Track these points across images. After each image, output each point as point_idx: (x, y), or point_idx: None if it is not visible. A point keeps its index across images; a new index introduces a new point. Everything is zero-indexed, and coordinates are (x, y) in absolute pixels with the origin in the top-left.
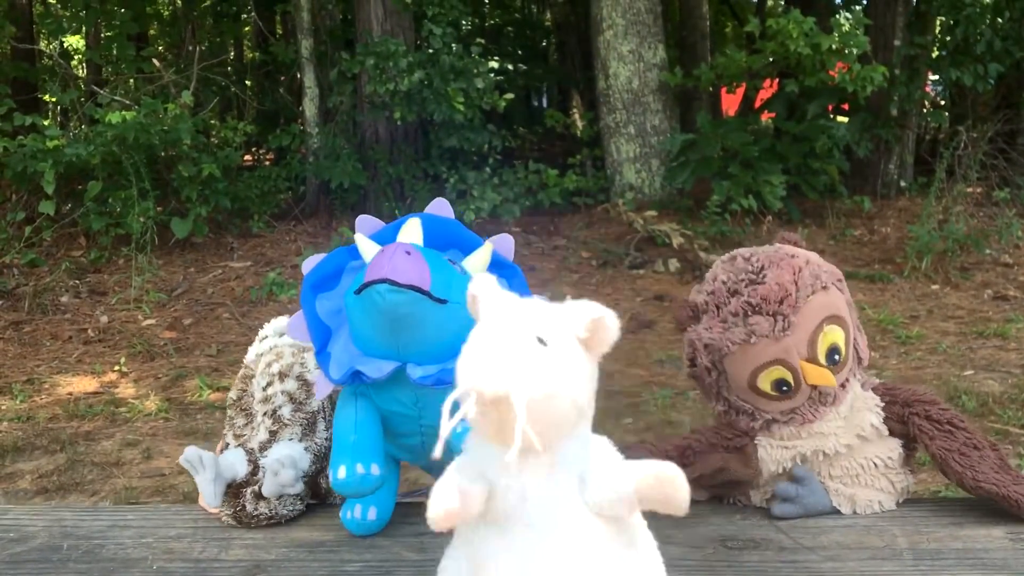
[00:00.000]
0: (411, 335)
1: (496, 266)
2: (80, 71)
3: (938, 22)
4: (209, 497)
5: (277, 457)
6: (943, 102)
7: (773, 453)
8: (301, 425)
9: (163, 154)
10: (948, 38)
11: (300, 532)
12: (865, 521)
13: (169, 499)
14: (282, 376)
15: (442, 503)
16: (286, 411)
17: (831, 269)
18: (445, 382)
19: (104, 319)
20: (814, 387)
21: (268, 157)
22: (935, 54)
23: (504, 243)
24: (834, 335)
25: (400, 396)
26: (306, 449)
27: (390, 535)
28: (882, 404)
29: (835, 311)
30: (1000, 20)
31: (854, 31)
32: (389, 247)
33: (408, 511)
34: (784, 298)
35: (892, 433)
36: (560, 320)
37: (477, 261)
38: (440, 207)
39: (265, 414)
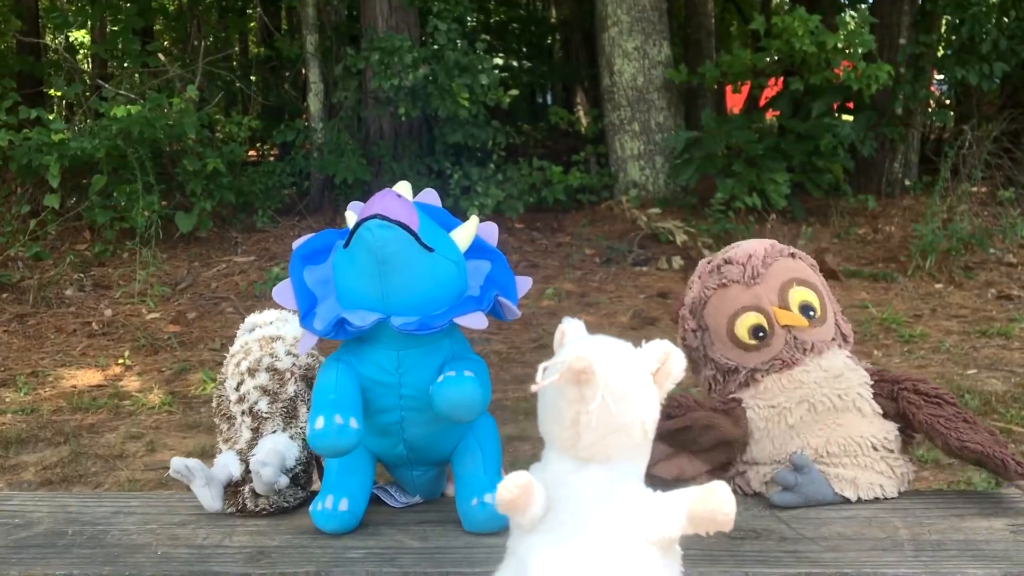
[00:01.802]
0: (398, 279)
1: (480, 250)
2: (85, 65)
3: (944, 21)
4: (207, 501)
5: (258, 458)
6: (948, 101)
7: (761, 412)
8: (281, 415)
9: (168, 148)
10: (954, 37)
11: (303, 519)
12: (867, 512)
13: (173, 491)
14: (252, 372)
15: (512, 480)
16: (263, 405)
17: (804, 255)
18: (429, 327)
19: (108, 312)
20: (788, 330)
21: (272, 152)
22: (940, 53)
23: (488, 230)
24: (805, 294)
25: (381, 360)
26: (291, 438)
27: (393, 523)
28: (871, 382)
29: (803, 275)
30: (1006, 19)
31: (859, 29)
32: (380, 192)
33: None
34: (752, 255)
35: (886, 414)
36: (636, 352)
37: (463, 233)
38: (429, 196)
39: (243, 413)
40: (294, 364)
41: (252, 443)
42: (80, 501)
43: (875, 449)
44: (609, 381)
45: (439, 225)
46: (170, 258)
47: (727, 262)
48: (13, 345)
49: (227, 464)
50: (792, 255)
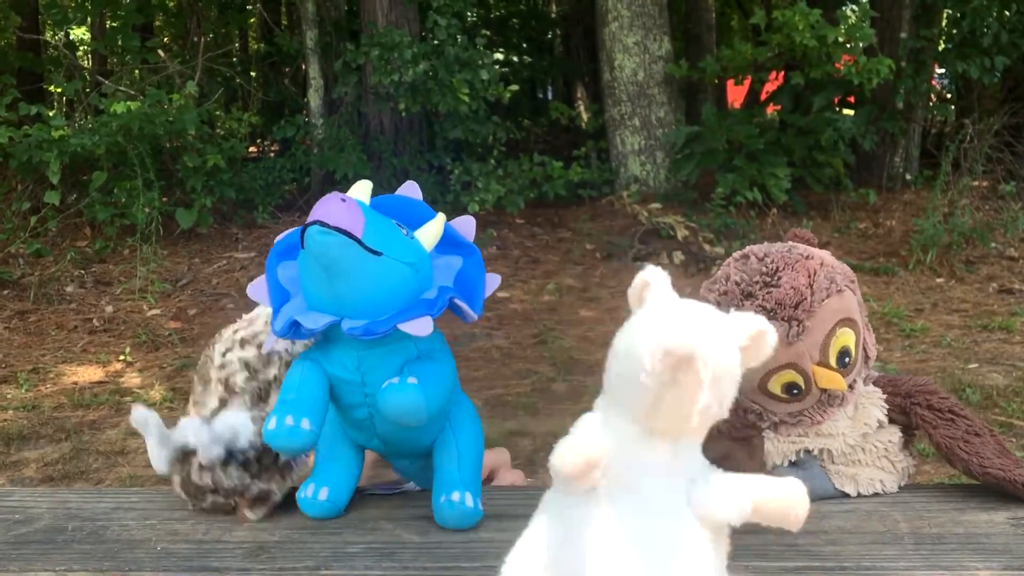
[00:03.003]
0: (345, 284)
1: (454, 244)
2: (85, 61)
3: (944, 14)
4: (155, 461)
5: (205, 438)
6: (949, 95)
7: (779, 447)
8: (251, 394)
9: (168, 145)
10: (954, 31)
11: (302, 515)
12: (867, 506)
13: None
14: (243, 343)
15: (580, 448)
16: (239, 378)
17: (844, 270)
18: (373, 332)
19: (109, 309)
20: (824, 390)
21: (273, 148)
22: (941, 47)
23: (465, 224)
24: (846, 338)
25: (343, 359)
26: (252, 420)
27: (392, 517)
28: (884, 396)
29: (848, 314)
30: (1007, 13)
31: (860, 23)
32: (326, 196)
33: (409, 495)
34: (799, 303)
35: (893, 422)
36: (726, 322)
37: (429, 232)
38: (411, 189)
39: (219, 380)
40: (286, 350)
41: (216, 412)
42: (80, 497)
43: (876, 449)
44: (711, 370)
45: (411, 221)
46: (171, 254)
47: (769, 313)
48: (14, 341)
49: (186, 429)
50: (840, 291)
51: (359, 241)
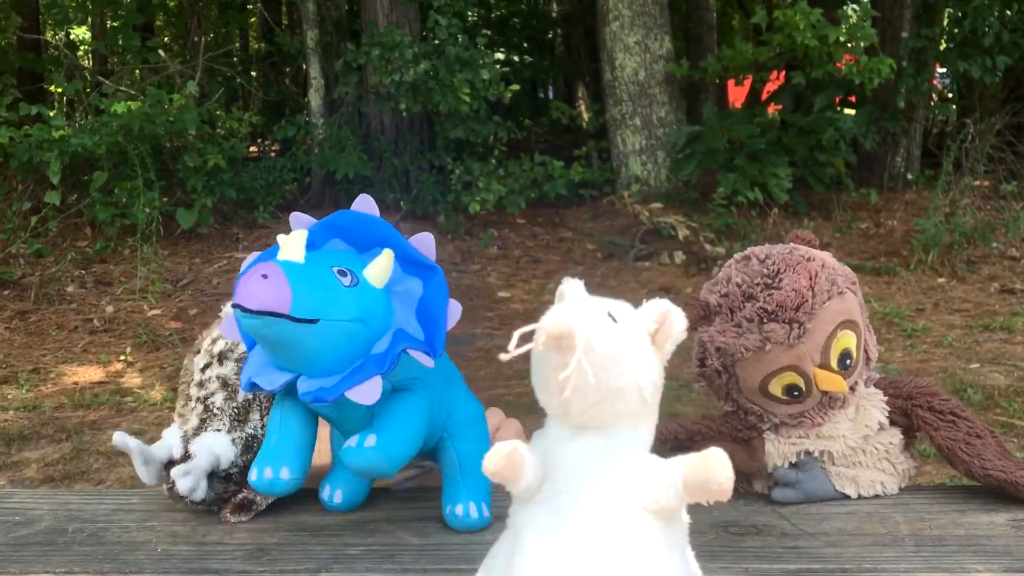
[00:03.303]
0: (284, 353)
1: (413, 264)
2: (86, 61)
3: (946, 14)
4: (143, 477)
5: (181, 467)
6: (951, 95)
7: (780, 448)
8: (230, 416)
9: (168, 145)
10: (956, 30)
11: (303, 516)
12: (867, 507)
13: None
14: (222, 358)
15: (499, 448)
16: (218, 399)
17: (845, 272)
18: (323, 399)
19: (110, 309)
20: (825, 392)
21: (273, 148)
22: (943, 46)
23: (424, 241)
24: (847, 340)
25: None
26: (233, 442)
27: (393, 519)
28: (885, 399)
29: (849, 316)
30: (1008, 12)
31: (861, 23)
32: (248, 273)
33: (410, 496)
34: (800, 305)
35: (894, 424)
36: (631, 311)
37: (376, 270)
38: (364, 204)
39: (198, 399)
40: None
41: (197, 431)
42: (80, 498)
43: (877, 451)
44: (592, 346)
45: (365, 241)
46: (171, 254)
47: (770, 316)
48: (15, 342)
49: (170, 443)
50: (840, 293)
51: (288, 316)
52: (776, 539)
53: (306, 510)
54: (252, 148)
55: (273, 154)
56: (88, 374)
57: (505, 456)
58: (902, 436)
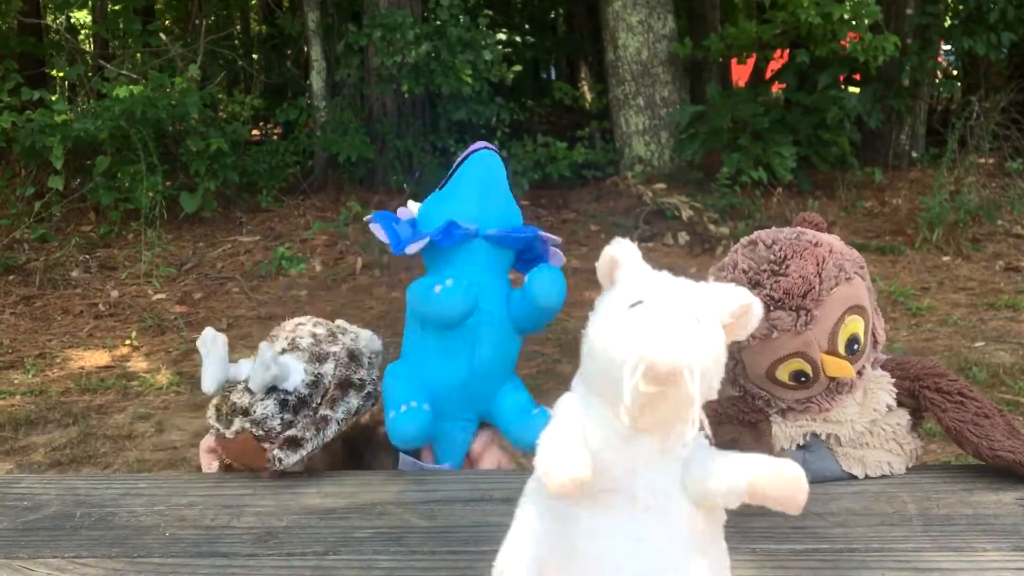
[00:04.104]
0: (495, 200)
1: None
2: (87, 45)
3: None
4: (206, 379)
5: (271, 354)
6: (955, 72)
7: (787, 431)
8: (311, 354)
9: (171, 128)
10: (961, 7)
11: (311, 499)
12: (875, 487)
13: (181, 471)
14: (316, 325)
15: (570, 469)
16: (305, 341)
17: (854, 256)
18: (517, 232)
19: (115, 293)
20: (832, 378)
21: (276, 131)
22: (947, 23)
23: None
24: (855, 325)
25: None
26: (306, 371)
27: (400, 502)
28: (893, 380)
29: (857, 301)
30: None
31: (865, 0)
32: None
33: (417, 478)
34: (807, 292)
35: (901, 405)
36: (709, 301)
37: None
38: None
39: (286, 337)
40: (346, 349)
41: (276, 356)
42: (88, 483)
43: (884, 431)
44: (699, 376)
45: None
46: (175, 239)
47: (777, 303)
48: (20, 327)
49: (243, 368)
50: (848, 279)
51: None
52: (783, 519)
53: (313, 493)
54: (254, 131)
55: (275, 137)
56: (94, 358)
57: (578, 484)
58: (909, 417)
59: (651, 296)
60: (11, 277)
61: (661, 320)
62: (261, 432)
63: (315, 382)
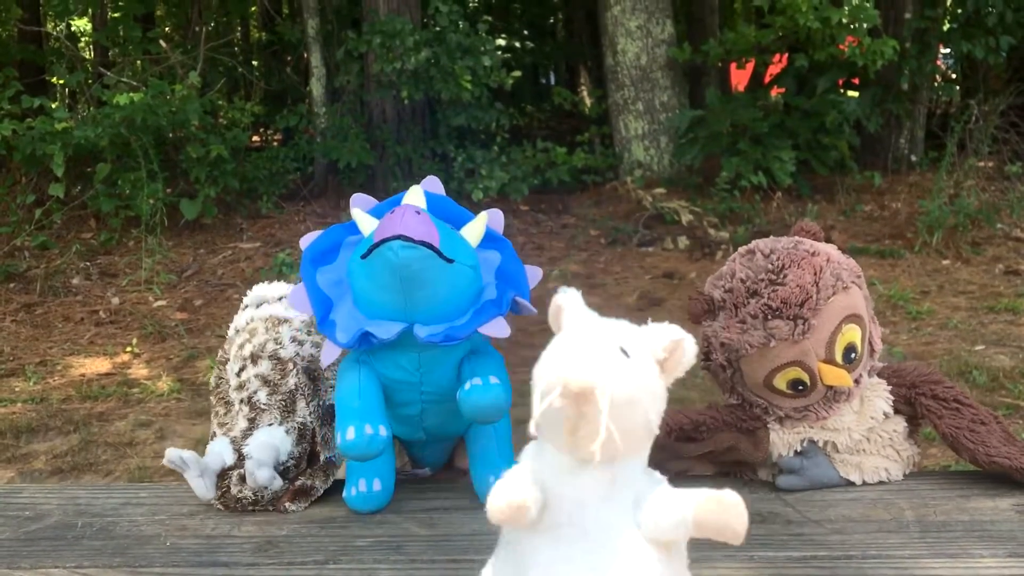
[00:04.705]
0: (422, 292)
1: (488, 240)
2: (87, 53)
3: None
4: (201, 491)
5: (256, 458)
6: (954, 75)
7: (785, 438)
8: (279, 408)
9: (171, 135)
10: (959, 10)
11: (311, 509)
12: (872, 494)
13: (182, 479)
14: (255, 358)
15: (507, 495)
16: (261, 396)
17: (851, 266)
18: (455, 338)
19: (115, 301)
20: (829, 386)
21: (276, 138)
22: (946, 27)
23: (495, 217)
24: (852, 334)
25: (402, 361)
26: (287, 432)
27: (399, 511)
28: (889, 388)
29: (854, 310)
30: None
31: (864, 4)
32: (399, 209)
33: (417, 487)
34: (805, 301)
35: (898, 412)
36: (641, 338)
37: (473, 230)
38: (432, 184)
39: (241, 401)
40: (297, 354)
41: (247, 433)
42: (89, 492)
43: (881, 438)
44: (613, 399)
45: (446, 218)
46: (176, 245)
47: (774, 312)
48: (21, 334)
49: (220, 452)
50: (845, 288)
51: (438, 252)
52: (781, 526)
53: (313, 503)
54: (255, 138)
55: (275, 144)
56: (95, 366)
57: (515, 507)
58: (906, 424)
59: (573, 331)
60: (12, 285)
61: (577, 344)
62: (275, 498)
63: (301, 433)
